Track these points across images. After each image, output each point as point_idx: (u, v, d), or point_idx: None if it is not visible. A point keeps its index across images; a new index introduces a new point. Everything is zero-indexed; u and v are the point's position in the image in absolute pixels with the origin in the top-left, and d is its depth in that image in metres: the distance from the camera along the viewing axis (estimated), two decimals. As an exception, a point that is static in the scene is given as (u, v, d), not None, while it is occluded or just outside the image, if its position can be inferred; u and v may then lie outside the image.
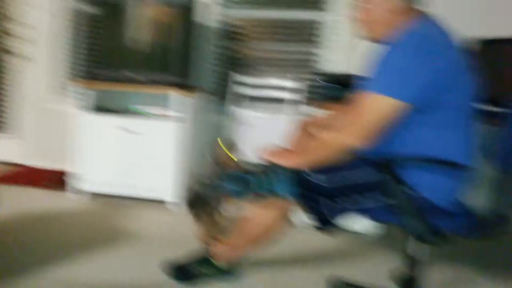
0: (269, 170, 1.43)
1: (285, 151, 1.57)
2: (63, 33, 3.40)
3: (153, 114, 2.76)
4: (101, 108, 2.80)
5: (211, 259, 1.71)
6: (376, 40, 1.48)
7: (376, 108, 1.32)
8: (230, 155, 1.94)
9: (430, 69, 1.30)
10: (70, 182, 2.82)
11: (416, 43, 1.33)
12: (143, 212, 2.62)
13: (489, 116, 1.52)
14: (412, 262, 1.48)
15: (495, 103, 2.01)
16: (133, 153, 2.71)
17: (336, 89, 2.46)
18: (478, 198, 1.58)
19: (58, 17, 3.34)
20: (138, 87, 2.71)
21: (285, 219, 1.60)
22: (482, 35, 2.29)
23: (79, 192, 2.81)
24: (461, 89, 1.37)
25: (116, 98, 2.97)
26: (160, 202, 2.71)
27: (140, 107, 2.94)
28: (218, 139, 2.02)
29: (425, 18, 1.42)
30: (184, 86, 2.67)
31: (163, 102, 2.92)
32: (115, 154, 2.73)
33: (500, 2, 2.72)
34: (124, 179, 2.73)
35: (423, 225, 1.35)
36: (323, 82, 2.51)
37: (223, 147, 1.96)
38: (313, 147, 1.45)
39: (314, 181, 1.41)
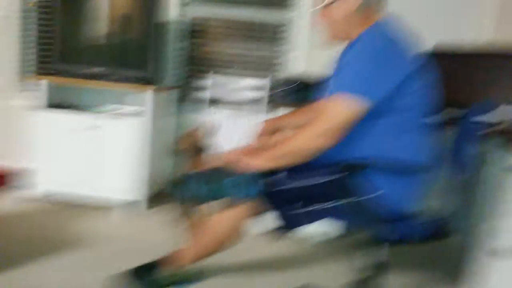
0: (231, 173, 1.42)
1: (247, 153, 1.56)
2: (17, 27, 3.26)
3: (112, 111, 2.68)
4: (56, 105, 2.69)
5: (168, 265, 1.68)
6: (338, 42, 1.51)
7: (341, 109, 1.33)
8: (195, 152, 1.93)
9: (394, 73, 1.34)
10: (23, 182, 2.71)
11: (380, 46, 1.35)
12: (97, 214, 2.54)
13: (442, 122, 1.58)
14: (369, 266, 1.51)
15: (449, 108, 2.09)
16: (90, 152, 2.63)
17: (300, 90, 2.49)
18: (433, 201, 1.64)
19: (11, 9, 3.21)
20: (97, 83, 2.62)
21: (245, 224, 1.60)
22: (436, 42, 2.35)
23: (32, 192, 2.70)
24: (421, 93, 1.41)
25: (73, 94, 2.88)
26: (116, 203, 2.66)
27: (98, 104, 2.86)
28: (185, 133, 1.99)
29: (386, 22, 1.45)
30: (144, 82, 2.60)
31: (122, 98, 2.88)
32: (70, 153, 2.64)
33: (454, 10, 2.83)
34: (79, 179, 2.65)
35: (378, 227, 1.39)
36: (287, 83, 2.52)
37: (188, 144, 1.95)
38: (280, 147, 1.44)
39: (275, 183, 1.43)
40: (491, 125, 1.79)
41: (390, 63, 1.34)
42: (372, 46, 1.36)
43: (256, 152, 1.47)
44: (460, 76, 2.18)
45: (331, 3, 1.46)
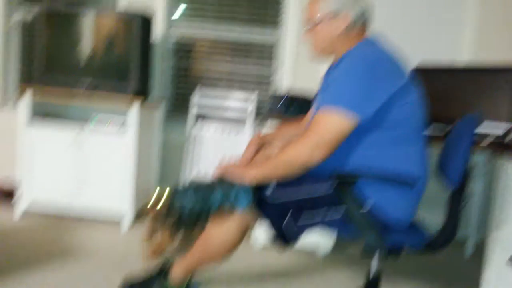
0: (228, 186, 1.42)
1: (241, 164, 1.56)
2: (8, 41, 3.23)
3: (97, 126, 2.63)
4: (41, 119, 2.65)
5: (166, 276, 1.65)
6: (324, 58, 1.55)
7: (335, 122, 1.34)
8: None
9: (385, 87, 1.36)
10: (14, 196, 2.64)
11: (371, 61, 1.38)
12: (82, 229, 2.49)
13: (429, 136, 1.61)
14: (367, 277, 1.51)
15: (434, 123, 2.14)
16: (74, 166, 2.58)
17: (286, 106, 2.52)
18: (429, 214, 1.66)
19: (5, 25, 3.17)
20: (82, 97, 2.59)
21: (243, 235, 1.58)
22: (417, 62, 2.43)
23: (23, 209, 2.64)
24: (411, 107, 1.44)
25: (58, 108, 2.85)
26: (102, 218, 2.62)
27: (83, 118, 2.82)
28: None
29: (374, 39, 1.50)
30: (131, 97, 2.58)
31: (108, 113, 2.85)
32: (54, 167, 2.58)
33: (434, 31, 2.94)
34: (64, 193, 2.59)
35: (376, 239, 1.38)
36: (274, 99, 2.57)
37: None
38: (274, 159, 1.43)
39: (269, 196, 1.42)
40: (479, 138, 1.84)
41: (381, 78, 1.37)
42: (363, 61, 1.39)
43: (249, 164, 1.45)
44: (444, 92, 2.25)
45: (319, 23, 1.49)
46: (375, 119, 1.37)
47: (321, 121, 1.36)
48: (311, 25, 1.52)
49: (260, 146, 1.75)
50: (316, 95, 1.63)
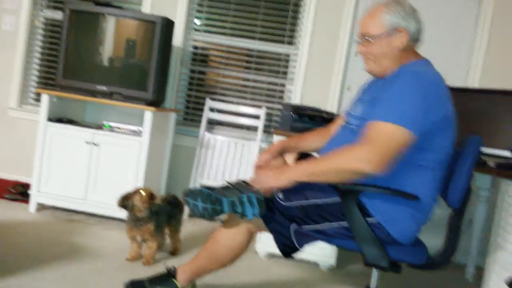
0: (241, 192, 1.45)
1: (276, 168, 1.51)
2: (32, 42, 3.34)
3: (111, 129, 2.71)
4: (57, 120, 2.73)
5: (172, 279, 1.70)
6: (379, 74, 1.54)
7: (395, 137, 1.32)
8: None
9: (438, 112, 1.38)
10: (30, 194, 2.72)
11: (430, 84, 1.38)
12: (101, 228, 2.56)
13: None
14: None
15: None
16: (88, 167, 2.66)
17: (300, 119, 2.57)
18: (429, 234, 1.69)
19: (30, 25, 3.29)
20: (98, 100, 2.67)
21: (249, 242, 1.63)
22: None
23: (39, 204, 2.73)
24: (450, 133, 1.45)
25: (74, 110, 2.94)
26: (112, 219, 2.68)
27: (98, 121, 2.90)
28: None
29: (426, 62, 1.51)
30: (145, 103, 2.66)
31: (122, 117, 2.93)
32: (78, 168, 2.67)
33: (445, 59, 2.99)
34: (76, 193, 2.67)
35: (377, 252, 1.40)
36: (284, 112, 2.61)
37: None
38: (318, 164, 1.39)
39: (282, 202, 1.45)
40: (484, 159, 1.86)
41: (436, 101, 1.37)
42: (423, 81, 1.37)
43: (284, 168, 1.44)
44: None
45: (376, 37, 1.47)
46: (419, 140, 1.36)
47: (382, 134, 1.33)
48: (368, 39, 1.49)
49: (278, 152, 1.72)
50: (354, 104, 1.61)
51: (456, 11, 3.02)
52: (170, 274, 1.71)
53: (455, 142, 1.49)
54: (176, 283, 1.69)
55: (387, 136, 1.33)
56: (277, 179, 1.43)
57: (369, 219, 1.41)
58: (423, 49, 1.57)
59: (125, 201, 2.09)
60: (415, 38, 1.50)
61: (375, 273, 1.57)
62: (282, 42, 3.22)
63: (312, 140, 1.78)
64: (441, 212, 1.57)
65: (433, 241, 1.87)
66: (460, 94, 2.29)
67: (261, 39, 3.23)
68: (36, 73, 3.41)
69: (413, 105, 1.35)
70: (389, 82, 1.44)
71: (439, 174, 1.48)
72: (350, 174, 1.34)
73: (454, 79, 2.93)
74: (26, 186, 2.93)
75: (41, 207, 2.75)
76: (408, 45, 1.49)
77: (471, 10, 2.99)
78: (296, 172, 1.41)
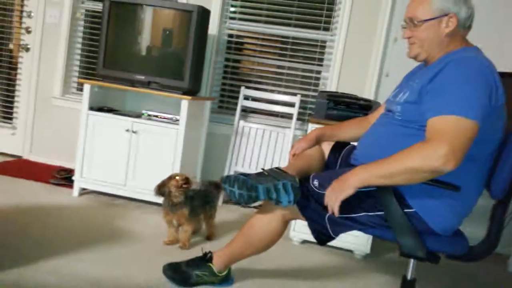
0: (276, 179, 1.46)
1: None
2: (66, 34, 3.45)
3: (155, 117, 2.78)
4: (98, 108, 2.82)
5: (209, 263, 1.75)
6: (424, 60, 1.48)
7: (465, 129, 1.26)
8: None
9: (496, 99, 1.32)
10: (74, 179, 2.85)
11: (486, 72, 1.32)
12: (140, 213, 2.65)
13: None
14: (404, 280, 1.53)
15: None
16: (136, 154, 2.75)
17: (336, 107, 2.54)
18: (471, 224, 1.64)
19: (72, 15, 3.40)
20: (137, 89, 2.74)
21: (284, 228, 1.65)
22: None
23: (81, 189, 2.85)
24: (502, 123, 1.40)
25: (114, 99, 3.03)
26: (150, 203, 2.75)
27: (137, 109, 2.98)
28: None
29: (477, 49, 1.44)
30: (182, 92, 2.71)
31: (159, 106, 3.00)
32: (118, 154, 2.77)
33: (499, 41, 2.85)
34: (125, 179, 2.77)
35: (414, 242, 1.38)
36: (320, 100, 2.58)
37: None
38: (391, 165, 1.30)
39: (318, 190, 1.44)
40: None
41: (493, 89, 1.31)
42: (474, 69, 1.32)
43: (345, 176, 1.37)
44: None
45: (424, 22, 1.41)
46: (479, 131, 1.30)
47: (452, 128, 1.26)
48: (415, 23, 1.43)
49: (314, 142, 1.71)
50: (397, 91, 1.55)
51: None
52: (207, 259, 1.76)
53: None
54: (212, 267, 1.73)
55: (457, 129, 1.26)
56: (341, 191, 1.35)
57: (407, 209, 1.39)
58: (473, 35, 1.50)
59: (161, 189, 2.15)
60: (465, 25, 1.42)
61: (412, 262, 1.54)
62: (318, 28, 3.18)
63: (349, 129, 1.75)
64: (485, 202, 1.52)
65: (476, 231, 1.83)
66: (509, 79, 2.18)
67: (296, 25, 3.20)
68: (78, 63, 3.53)
69: (475, 93, 1.28)
70: (438, 70, 1.36)
71: (487, 165, 1.42)
72: (428, 173, 1.27)
73: (504, 66, 2.81)
74: (69, 172, 3.07)
75: (84, 192, 2.88)
76: (457, 31, 1.42)
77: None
78: (361, 177, 1.34)
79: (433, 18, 1.41)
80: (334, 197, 1.37)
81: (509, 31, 2.87)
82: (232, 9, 3.29)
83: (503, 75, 1.43)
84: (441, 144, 1.24)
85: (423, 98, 1.37)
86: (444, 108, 1.29)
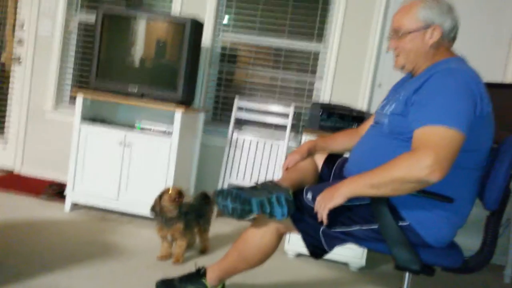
0: (269, 192, 1.44)
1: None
2: (66, 46, 3.44)
3: (142, 129, 2.76)
4: (90, 119, 2.80)
5: (202, 278, 1.72)
6: (409, 71, 1.49)
7: (451, 139, 1.26)
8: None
9: (481, 109, 1.32)
10: (65, 193, 2.81)
11: (469, 82, 1.32)
12: (133, 227, 2.62)
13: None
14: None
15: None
16: (120, 166, 2.71)
17: (329, 118, 2.54)
18: (466, 236, 1.64)
19: (65, 28, 3.39)
20: (130, 101, 2.72)
21: (278, 242, 1.63)
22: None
23: (73, 203, 2.81)
24: (491, 132, 1.40)
25: (106, 110, 3.00)
26: (143, 217, 2.71)
27: (130, 121, 2.96)
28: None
29: (462, 60, 1.45)
30: (175, 103, 2.70)
31: (152, 117, 2.98)
32: (111, 167, 2.73)
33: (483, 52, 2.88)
34: (118, 193, 2.73)
35: (408, 255, 1.37)
36: (319, 111, 2.58)
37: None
38: (378, 175, 1.31)
39: (311, 204, 1.43)
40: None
41: (478, 99, 1.32)
42: (462, 80, 1.32)
43: (337, 185, 1.37)
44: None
45: (409, 33, 1.43)
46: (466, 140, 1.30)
47: (438, 139, 1.26)
48: (400, 35, 1.45)
49: (307, 154, 1.70)
50: (385, 103, 1.55)
51: (494, 5, 2.90)
52: (200, 274, 1.73)
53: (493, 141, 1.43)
54: (206, 282, 1.71)
55: (443, 140, 1.26)
56: (330, 199, 1.35)
57: (401, 222, 1.38)
58: (458, 44, 1.51)
59: (155, 208, 2.13)
60: (449, 36, 1.44)
61: (407, 275, 1.53)
62: (311, 39, 3.19)
63: (341, 140, 1.76)
64: (478, 212, 1.51)
65: (470, 241, 1.82)
66: (497, 90, 2.20)
67: (289, 37, 3.21)
68: (70, 76, 3.51)
69: (459, 104, 1.29)
70: (423, 81, 1.38)
71: (477, 174, 1.42)
72: (414, 184, 1.27)
73: (491, 75, 2.84)
74: (61, 186, 3.03)
75: (76, 206, 2.83)
76: (442, 42, 1.43)
77: (509, 5, 2.87)
78: (351, 187, 1.34)
79: (418, 29, 1.42)
80: (323, 204, 1.37)
81: (496, 41, 2.90)
82: (226, 21, 3.30)
83: (489, 85, 1.44)
84: (426, 154, 1.24)
85: (409, 109, 1.37)
86: (429, 118, 1.30)
